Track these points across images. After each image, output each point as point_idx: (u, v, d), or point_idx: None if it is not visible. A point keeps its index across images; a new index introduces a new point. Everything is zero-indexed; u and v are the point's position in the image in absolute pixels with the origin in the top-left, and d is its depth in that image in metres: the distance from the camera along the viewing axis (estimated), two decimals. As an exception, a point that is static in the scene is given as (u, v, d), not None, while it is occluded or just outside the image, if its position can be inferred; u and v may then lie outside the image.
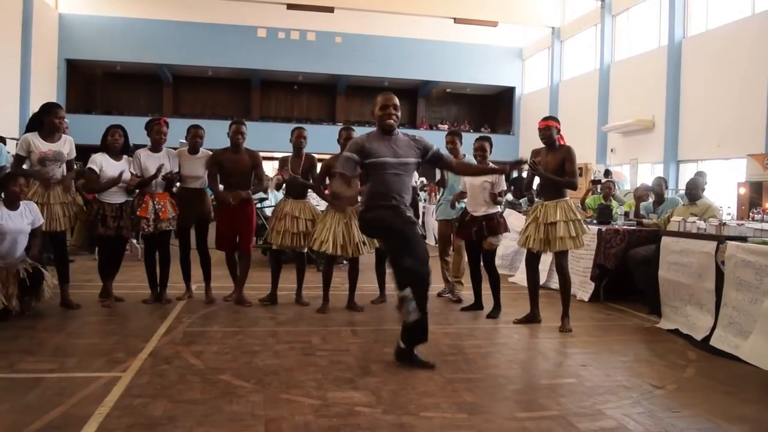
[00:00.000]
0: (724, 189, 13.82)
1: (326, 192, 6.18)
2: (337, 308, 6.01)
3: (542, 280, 6.98)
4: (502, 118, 29.42)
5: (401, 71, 26.17)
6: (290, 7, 21.61)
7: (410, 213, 4.32)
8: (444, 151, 4.75)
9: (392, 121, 4.25)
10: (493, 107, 30.36)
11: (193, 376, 3.86)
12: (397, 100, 4.32)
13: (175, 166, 5.98)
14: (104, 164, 5.70)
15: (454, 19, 22.58)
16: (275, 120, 26.19)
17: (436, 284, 6.82)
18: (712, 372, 4.28)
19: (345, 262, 7.58)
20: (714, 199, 7.32)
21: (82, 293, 6.21)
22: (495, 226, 5.89)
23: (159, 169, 5.75)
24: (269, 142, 18.52)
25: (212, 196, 6.40)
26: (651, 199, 7.97)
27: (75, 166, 5.98)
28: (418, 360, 4.17)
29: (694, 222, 5.57)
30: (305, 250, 6.27)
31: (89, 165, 5.72)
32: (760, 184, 12.22)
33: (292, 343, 4.75)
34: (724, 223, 5.41)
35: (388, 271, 6.38)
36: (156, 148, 5.99)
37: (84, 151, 6.58)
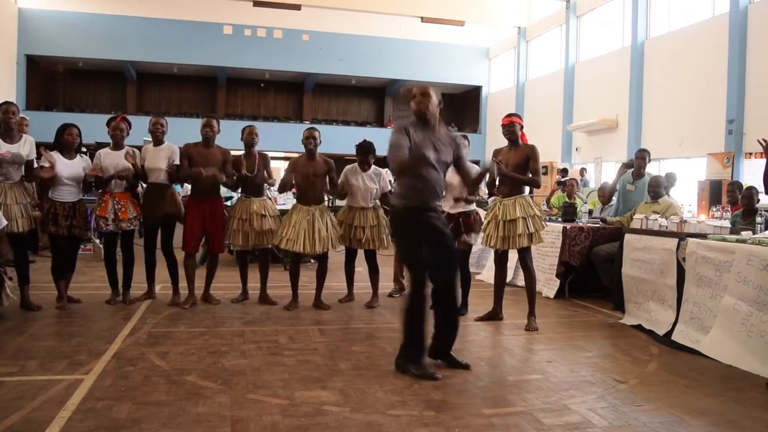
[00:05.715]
0: (685, 187, 14.10)
1: (292, 191, 6.13)
2: (304, 307, 5.98)
3: (509, 277, 7.04)
4: (469, 116, 29.56)
5: (369, 70, 26.09)
6: (257, 4, 21.40)
7: (441, 217, 4.21)
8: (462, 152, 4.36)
9: (424, 107, 4.04)
10: (460, 106, 30.48)
11: (158, 377, 3.81)
12: (428, 90, 4.12)
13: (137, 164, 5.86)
14: (56, 162, 5.59)
15: (422, 18, 22.62)
16: (242, 118, 25.86)
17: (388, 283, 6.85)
18: (674, 366, 4.37)
19: (313, 260, 7.54)
20: (675, 197, 7.46)
21: (42, 295, 6.07)
22: (471, 223, 5.87)
23: (120, 170, 5.64)
24: (235, 140, 18.28)
25: (182, 196, 6.28)
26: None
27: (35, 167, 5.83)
28: (456, 361, 4.21)
29: (656, 219, 5.68)
30: (270, 246, 6.20)
31: (41, 162, 5.60)
32: (720, 183, 12.50)
33: (260, 342, 4.72)
34: (685, 221, 5.53)
35: (359, 269, 6.41)
36: (116, 145, 5.89)
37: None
